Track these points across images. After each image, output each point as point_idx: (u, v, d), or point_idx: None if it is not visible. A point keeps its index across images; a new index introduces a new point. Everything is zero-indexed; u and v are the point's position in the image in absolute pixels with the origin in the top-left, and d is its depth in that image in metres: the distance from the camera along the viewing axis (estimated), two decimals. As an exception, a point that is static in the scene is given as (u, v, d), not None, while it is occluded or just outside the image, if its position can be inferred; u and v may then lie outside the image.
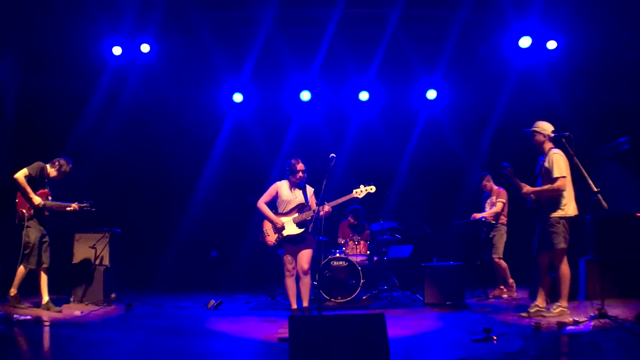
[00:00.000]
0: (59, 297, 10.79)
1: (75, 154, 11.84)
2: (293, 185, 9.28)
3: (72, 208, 9.95)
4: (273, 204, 9.36)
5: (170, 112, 14.20)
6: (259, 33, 12.84)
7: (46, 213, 9.83)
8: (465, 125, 14.12)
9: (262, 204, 9.23)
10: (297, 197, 9.24)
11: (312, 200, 9.18)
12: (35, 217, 9.68)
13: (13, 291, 9.66)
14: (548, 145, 8.64)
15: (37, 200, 9.59)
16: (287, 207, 9.22)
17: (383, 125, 14.39)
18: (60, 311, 9.63)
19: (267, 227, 9.27)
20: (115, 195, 13.42)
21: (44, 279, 9.81)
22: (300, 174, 9.15)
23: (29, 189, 9.54)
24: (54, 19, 12.21)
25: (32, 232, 9.62)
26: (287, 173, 9.27)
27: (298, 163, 9.18)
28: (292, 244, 9.14)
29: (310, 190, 9.30)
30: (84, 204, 10.00)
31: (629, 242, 10.02)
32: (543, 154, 8.71)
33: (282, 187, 9.30)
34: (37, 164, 9.77)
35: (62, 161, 10.03)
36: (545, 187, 8.45)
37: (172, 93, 13.95)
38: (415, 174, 14.49)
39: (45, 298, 9.79)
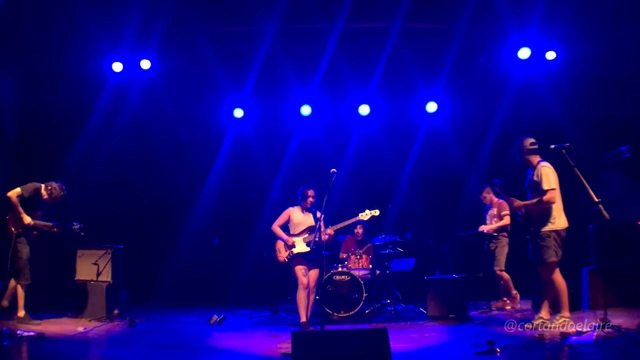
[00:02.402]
0: (62, 313, 10.82)
1: (76, 170, 11.92)
2: (304, 210, 9.95)
3: (57, 229, 10.21)
4: (285, 227, 10.02)
5: (171, 128, 14.21)
6: (259, 48, 12.84)
7: (35, 232, 10.03)
8: (465, 137, 14.14)
9: (276, 227, 10.01)
10: (307, 220, 9.91)
11: (322, 224, 9.47)
12: (24, 235, 9.88)
13: (22, 313, 9.78)
14: (535, 158, 8.67)
15: (26, 219, 9.87)
16: (298, 229, 9.91)
17: (384, 138, 14.40)
18: (39, 324, 9.77)
19: (280, 245, 9.95)
20: (116, 211, 13.44)
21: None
22: (311, 199, 9.89)
23: (20, 209, 9.82)
24: (55, 35, 12.26)
25: (23, 248, 9.87)
26: (299, 199, 10.03)
27: (309, 190, 9.94)
28: (304, 259, 9.74)
29: (319, 214, 9.56)
30: (75, 226, 10.17)
31: (631, 250, 10.06)
32: (531, 167, 8.74)
33: (294, 211, 10.03)
34: (30, 185, 10.07)
35: (55, 185, 10.24)
36: (535, 200, 8.47)
37: (173, 108, 13.95)
38: (416, 186, 14.48)
39: (22, 312, 9.90)
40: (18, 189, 9.89)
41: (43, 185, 10.15)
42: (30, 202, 9.99)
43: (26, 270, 9.84)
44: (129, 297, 12.16)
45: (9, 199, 9.80)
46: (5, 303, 9.84)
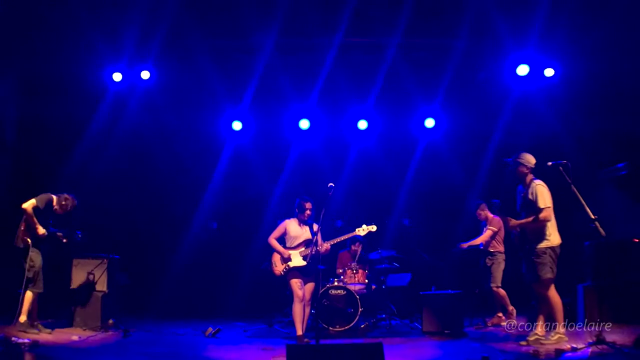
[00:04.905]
0: (57, 321, 10.81)
1: (74, 179, 11.94)
2: (301, 222, 9.96)
3: (65, 239, 10.23)
4: (281, 239, 10.05)
5: (169, 139, 14.22)
6: (258, 61, 12.90)
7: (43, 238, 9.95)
8: (464, 153, 14.13)
9: (272, 239, 10.02)
10: (304, 233, 9.94)
11: (319, 236, 9.53)
12: (37, 244, 9.81)
13: (23, 318, 9.73)
14: (530, 177, 8.69)
15: (41, 230, 9.84)
16: (295, 242, 9.93)
17: (382, 153, 14.41)
18: (50, 333, 9.84)
19: (276, 259, 9.95)
20: (113, 222, 13.42)
21: (35, 303, 9.94)
22: (308, 212, 9.88)
23: (35, 220, 9.79)
24: (54, 45, 12.31)
25: (36, 257, 9.83)
26: (296, 211, 10.00)
27: (306, 202, 9.92)
28: (300, 272, 9.75)
29: (315, 226, 9.70)
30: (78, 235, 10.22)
31: (627, 267, 10.09)
32: (524, 185, 8.75)
33: (290, 224, 10.04)
34: (45, 196, 10.03)
35: (68, 197, 10.23)
36: (531, 218, 8.47)
37: (172, 119, 13.99)
38: (413, 201, 14.47)
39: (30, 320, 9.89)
40: (33, 200, 9.83)
41: (55, 197, 10.13)
42: (42, 213, 9.95)
43: (39, 279, 9.80)
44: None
45: (24, 210, 9.74)
46: (22, 318, 9.80)
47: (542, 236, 8.43)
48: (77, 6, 11.47)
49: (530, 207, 8.54)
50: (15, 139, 13.18)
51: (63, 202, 10.15)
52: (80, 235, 10.41)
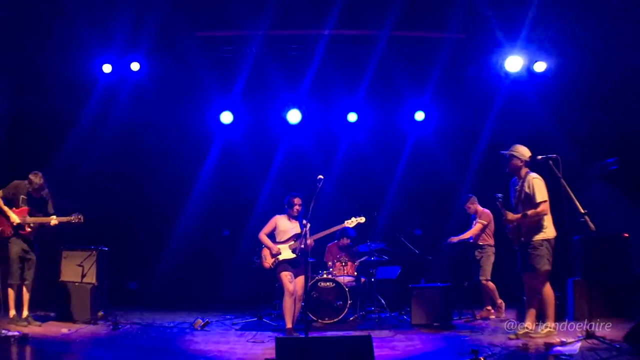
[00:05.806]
0: (47, 314, 10.77)
1: (64, 172, 11.90)
2: (290, 217, 10.18)
3: (54, 222, 9.97)
4: (271, 234, 10.25)
5: (159, 131, 14.13)
6: (248, 54, 12.87)
7: (28, 229, 9.89)
8: (454, 147, 14.12)
9: (262, 235, 10.26)
10: (294, 227, 10.13)
11: (308, 231, 9.50)
12: (16, 234, 9.78)
13: (12, 312, 9.74)
14: (524, 170, 8.69)
15: (14, 218, 9.77)
16: (285, 236, 10.14)
17: (372, 146, 14.39)
18: (40, 326, 9.78)
19: (266, 253, 10.14)
20: (103, 214, 13.36)
21: (25, 295, 9.93)
22: (297, 207, 10.11)
23: (5, 209, 9.76)
24: (43, 36, 12.19)
25: (12, 248, 9.79)
26: (285, 207, 10.18)
27: (295, 198, 10.23)
28: (289, 265, 9.94)
29: (304, 221, 9.59)
30: (72, 217, 10.02)
31: (617, 262, 10.13)
32: (518, 177, 8.76)
33: (280, 219, 10.26)
34: (11, 184, 10.02)
35: (31, 177, 10.04)
36: (528, 212, 8.47)
37: (161, 111, 13.90)
38: (404, 195, 14.46)
39: (25, 313, 9.88)
40: None
41: (23, 182, 10.02)
42: (12, 202, 9.90)
43: (12, 271, 9.75)
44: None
45: None
46: (11, 313, 9.77)
47: (538, 228, 8.45)
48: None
49: (526, 200, 8.55)
50: (5, 132, 13.09)
51: (31, 182, 9.98)
52: (79, 217, 10.21)
